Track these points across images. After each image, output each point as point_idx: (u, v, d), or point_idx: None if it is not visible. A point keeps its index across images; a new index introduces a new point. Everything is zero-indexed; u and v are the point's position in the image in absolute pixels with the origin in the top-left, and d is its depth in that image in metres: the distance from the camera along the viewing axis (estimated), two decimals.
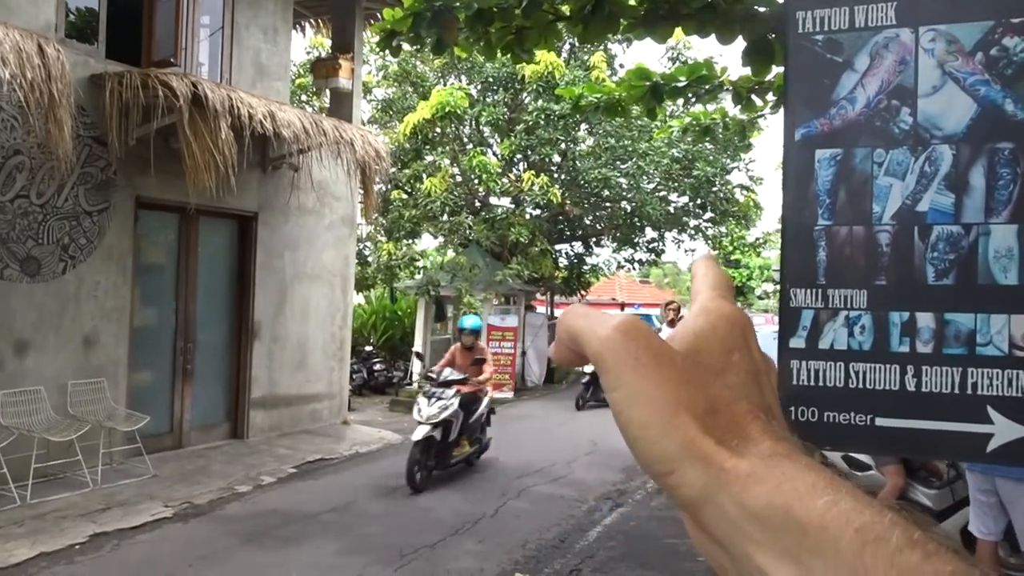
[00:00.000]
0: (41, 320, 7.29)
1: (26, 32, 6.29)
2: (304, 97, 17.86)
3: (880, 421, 2.51)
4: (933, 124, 2.55)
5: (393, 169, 16.43)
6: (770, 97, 6.17)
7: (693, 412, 0.35)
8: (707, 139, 9.24)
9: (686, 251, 22.83)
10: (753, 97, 5.96)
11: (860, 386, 2.64)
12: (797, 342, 2.81)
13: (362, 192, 10.31)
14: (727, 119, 7.27)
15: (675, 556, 5.78)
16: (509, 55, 6.30)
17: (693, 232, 20.53)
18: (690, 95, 6.03)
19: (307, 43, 19.47)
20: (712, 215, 19.48)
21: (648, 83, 5.69)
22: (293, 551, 5.69)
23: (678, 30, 4.82)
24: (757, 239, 27.13)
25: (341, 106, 10.95)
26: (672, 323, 10.10)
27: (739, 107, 6.12)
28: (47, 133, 6.53)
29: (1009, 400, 2.34)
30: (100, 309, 7.80)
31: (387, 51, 6.20)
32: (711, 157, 17.37)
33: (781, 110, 4.79)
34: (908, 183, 2.58)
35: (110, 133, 7.48)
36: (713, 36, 4.53)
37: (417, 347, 16.75)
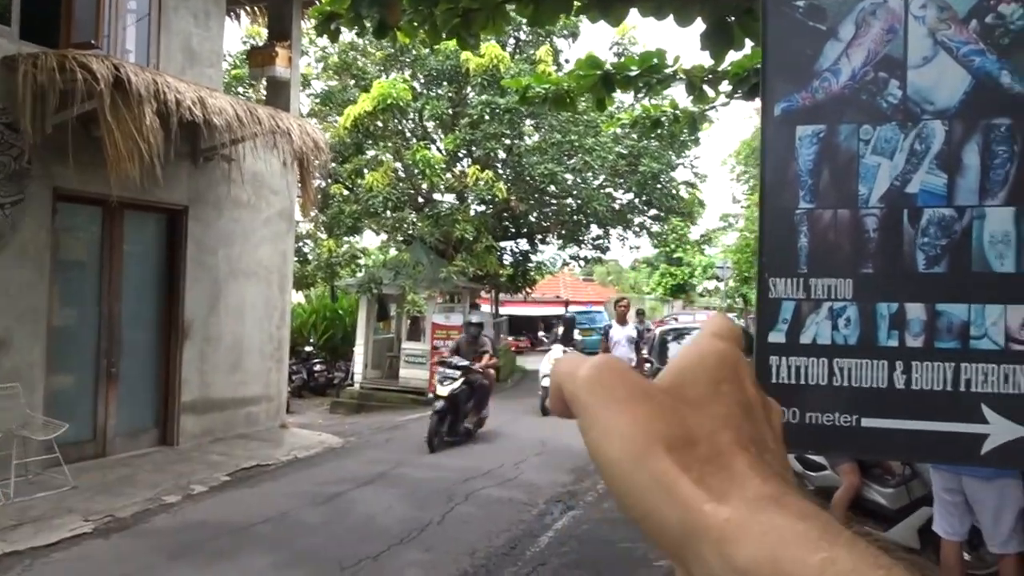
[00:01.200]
0: None
1: None
2: (240, 89, 17.22)
3: (866, 422, 2.19)
4: (924, 98, 2.22)
5: (333, 164, 15.97)
6: (724, 87, 6.03)
7: (667, 444, 0.32)
8: (657, 132, 9.13)
9: (631, 248, 22.90)
10: (705, 87, 5.81)
11: (845, 384, 2.31)
12: (777, 336, 2.48)
13: (300, 186, 9.87)
14: (678, 111, 7.12)
15: (630, 562, 5.58)
16: (455, 40, 5.98)
17: (638, 229, 20.57)
18: (641, 85, 5.85)
19: (243, 33, 18.80)
20: (657, 212, 19.53)
21: (599, 72, 5.49)
22: (224, 566, 5.30)
23: (633, 11, 4.60)
24: (701, 236, 27.37)
25: (278, 96, 10.49)
26: (622, 319, 9.95)
27: (691, 98, 5.96)
28: None
29: (1005, 398, 2.00)
30: (13, 309, 7.23)
31: (325, 36, 5.84)
32: (657, 153, 17.37)
33: (733, 101, 4.46)
34: (897, 162, 2.25)
35: (23, 119, 6.93)
36: (669, 20, 4.34)
37: (358, 346, 16.31)
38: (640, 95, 6.96)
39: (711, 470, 0.32)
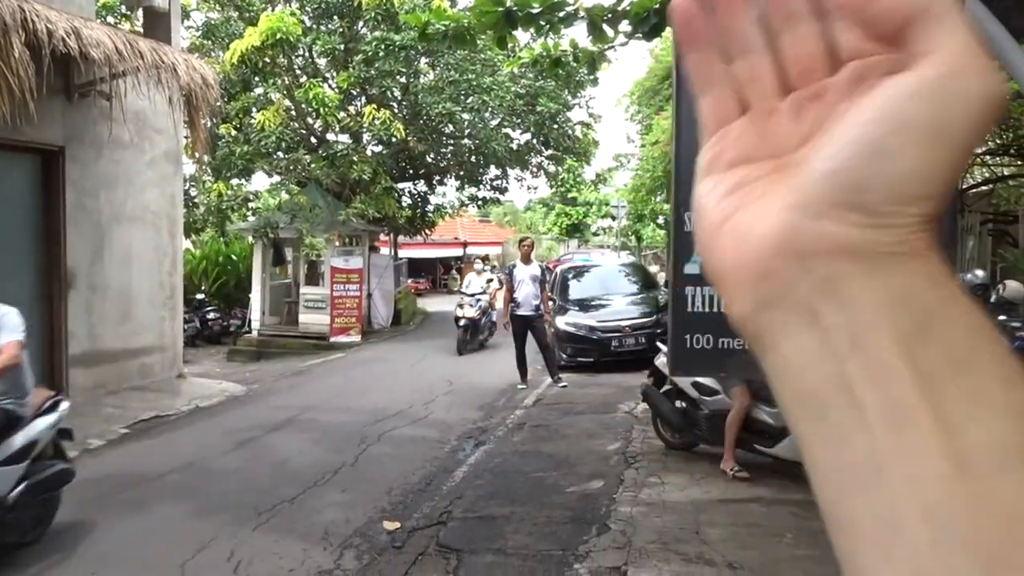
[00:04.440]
0: None
1: None
2: (112, 19, 15.99)
3: None
4: None
5: (219, 102, 15.16)
6: (624, 26, 6.08)
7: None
8: (557, 71, 9.12)
9: (528, 188, 22.96)
10: (605, 27, 5.84)
11: None
12: (692, 268, 2.60)
13: (188, 126, 9.35)
14: (577, 51, 7.12)
15: (543, 489, 5.76)
16: None
17: (535, 169, 20.63)
18: (543, 23, 5.81)
19: None
20: (553, 152, 19.62)
21: (501, 9, 5.41)
22: (138, 517, 5.15)
23: None
24: (596, 175, 27.74)
25: (157, 29, 9.81)
26: (526, 258, 10.05)
27: (591, 38, 5.97)
28: None
29: None
30: None
31: None
32: (554, 93, 17.35)
33: (632, 42, 4.47)
34: None
35: None
36: None
37: (255, 292, 15.84)
38: (541, 34, 6.91)
39: None
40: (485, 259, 19.84)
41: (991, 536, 0.25)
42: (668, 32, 6.29)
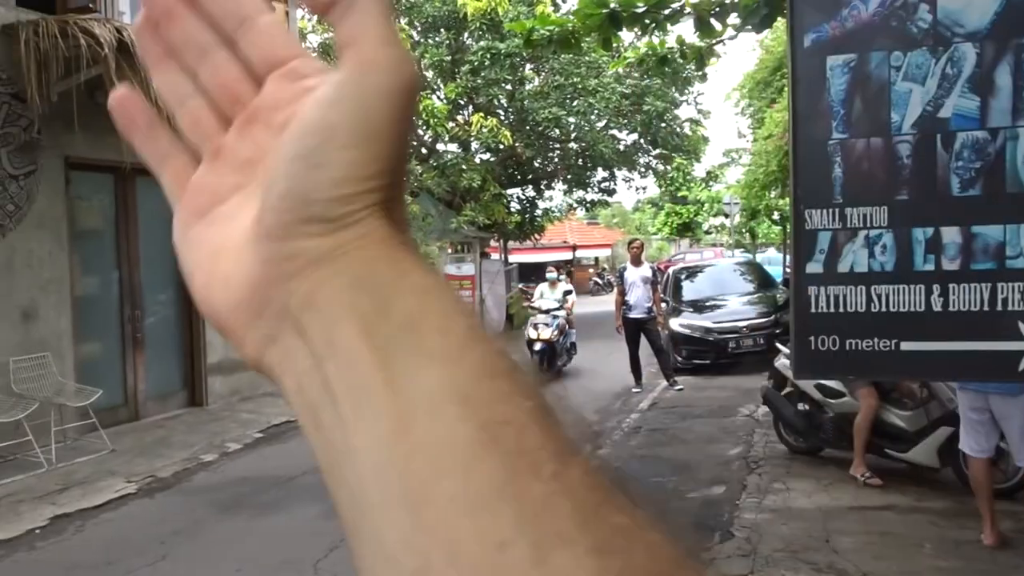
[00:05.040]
0: None
1: None
2: None
3: (906, 345, 2.25)
4: (954, 20, 2.21)
5: None
6: (732, 19, 5.93)
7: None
8: (664, 70, 8.99)
9: (636, 189, 22.75)
10: (713, 21, 5.72)
11: (883, 309, 2.36)
12: (815, 267, 2.52)
13: None
14: (685, 47, 6.99)
15: (663, 494, 5.69)
16: None
17: (643, 170, 20.42)
18: (648, 21, 5.75)
19: None
20: (662, 151, 19.36)
21: (605, 11, 5.40)
22: (273, 518, 5.43)
23: None
24: (708, 172, 27.14)
25: None
26: (636, 260, 9.95)
27: (698, 33, 5.86)
28: None
29: None
30: (37, 280, 7.28)
31: None
32: (660, 92, 17.14)
33: (742, 34, 4.35)
34: (929, 87, 2.25)
35: (29, 88, 6.87)
36: None
37: None
38: (647, 33, 6.83)
39: None
40: (562, 266, 15.47)
41: (417, 479, 0.25)
42: (780, 22, 6.12)
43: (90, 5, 7.74)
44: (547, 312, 10.67)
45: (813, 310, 2.81)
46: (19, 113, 7.14)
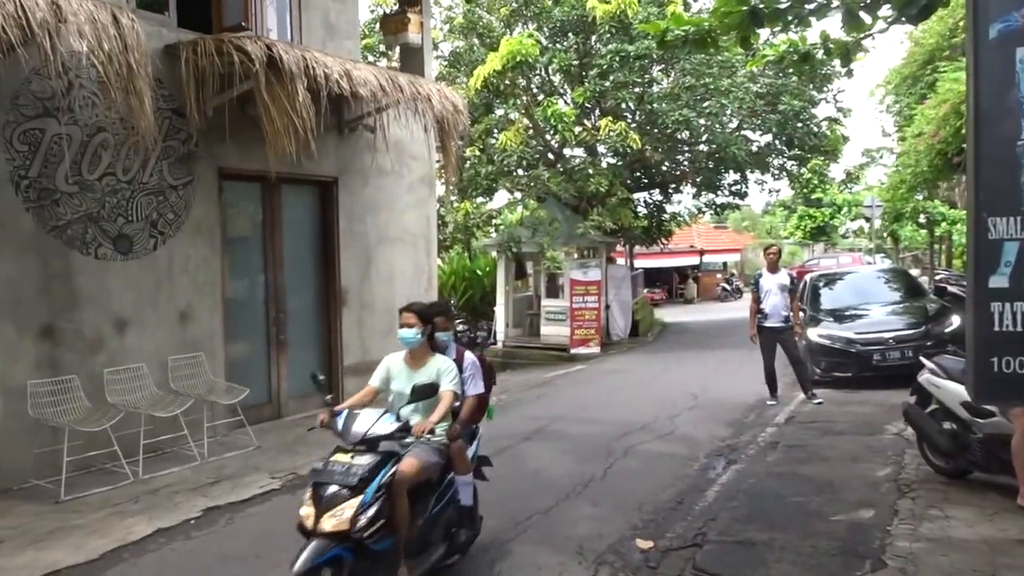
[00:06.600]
0: (138, 297, 7.30)
1: (100, 2, 6.12)
2: (370, 57, 17.59)
3: None
4: None
5: (467, 127, 16.10)
6: (884, 11, 5.55)
7: None
8: (804, 67, 8.57)
9: (769, 191, 21.93)
10: (862, 14, 5.37)
11: None
12: (999, 281, 2.21)
13: (439, 149, 10.00)
14: (829, 42, 6.60)
15: (805, 515, 5.39)
16: None
17: (777, 171, 19.66)
18: (791, 17, 5.47)
19: (370, 1, 19.14)
20: (797, 152, 18.56)
21: (745, 8, 5.17)
22: None
23: None
24: (847, 174, 25.80)
25: (412, 62, 10.63)
26: (772, 266, 9.55)
27: (844, 27, 5.51)
28: (128, 107, 6.40)
29: None
30: (193, 283, 7.77)
31: None
32: (797, 90, 16.43)
33: (895, 27, 3.96)
34: None
35: (188, 103, 7.34)
36: None
37: (499, 306, 16.56)
38: (788, 29, 6.49)
39: None
40: (449, 319, 4.86)
41: None
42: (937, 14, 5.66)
43: (243, 24, 8.20)
44: (352, 455, 3.86)
45: (997, 328, 2.54)
46: (179, 127, 7.65)
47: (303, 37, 9.21)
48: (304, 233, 9.28)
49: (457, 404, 4.50)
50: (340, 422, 4.04)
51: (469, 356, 4.82)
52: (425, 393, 4.13)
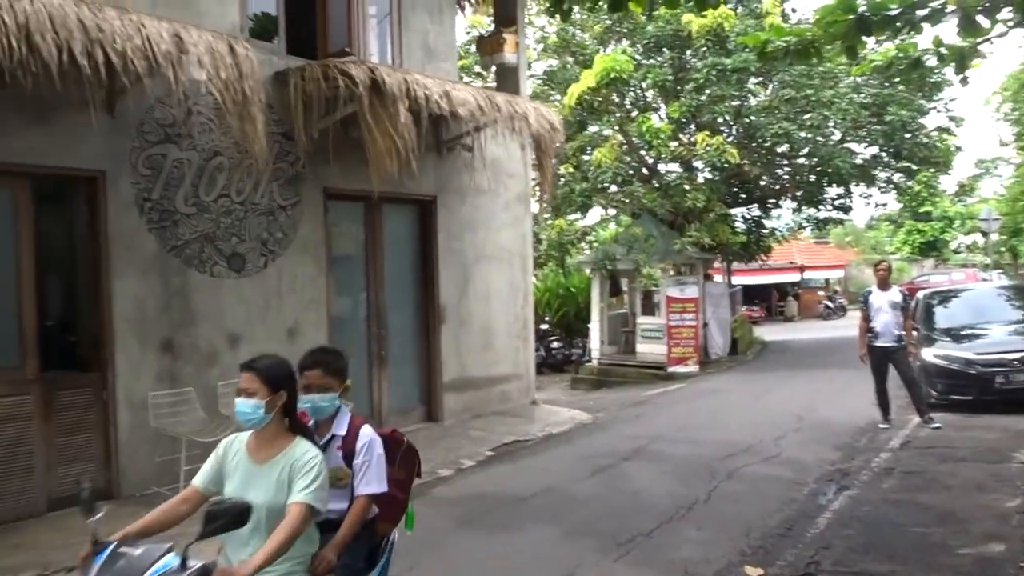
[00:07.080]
0: (249, 313, 7.59)
1: (217, 34, 6.45)
2: (466, 78, 17.89)
3: None
4: None
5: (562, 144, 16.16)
6: (1004, 14, 5.25)
7: None
8: (913, 75, 8.18)
9: (876, 205, 21.06)
10: (979, 18, 5.08)
11: None
12: None
13: (536, 167, 10.05)
14: (943, 48, 6.27)
15: (927, 547, 5.08)
16: (692, 2, 5.70)
17: (884, 184, 18.85)
18: (901, 24, 5.23)
19: (466, 23, 19.49)
20: (905, 164, 17.75)
21: (852, 16, 4.97)
22: (512, 536, 5.53)
23: None
24: (961, 186, 24.51)
25: (507, 82, 10.73)
26: (883, 283, 9.13)
27: (960, 32, 5.22)
28: (242, 132, 6.69)
29: None
30: (300, 301, 8.04)
31: (557, 16, 5.75)
32: (905, 99, 15.74)
33: (1015, 31, 3.73)
34: None
35: (296, 127, 7.62)
36: None
37: (594, 323, 16.45)
38: (897, 36, 6.21)
39: None
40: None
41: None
42: None
43: (347, 49, 8.48)
44: None
45: None
46: (287, 150, 7.95)
47: (403, 60, 9.45)
48: (404, 251, 9.47)
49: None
50: (95, 567, 2.38)
51: (366, 433, 3.07)
52: (229, 520, 2.38)
